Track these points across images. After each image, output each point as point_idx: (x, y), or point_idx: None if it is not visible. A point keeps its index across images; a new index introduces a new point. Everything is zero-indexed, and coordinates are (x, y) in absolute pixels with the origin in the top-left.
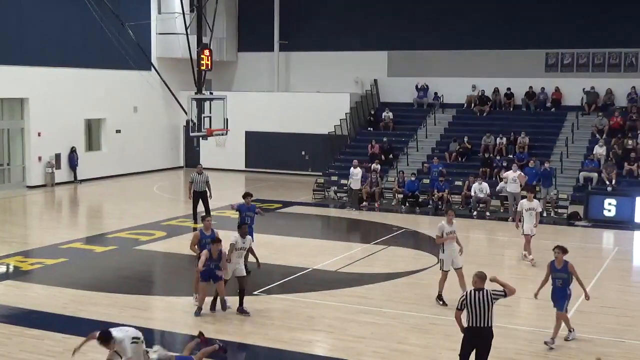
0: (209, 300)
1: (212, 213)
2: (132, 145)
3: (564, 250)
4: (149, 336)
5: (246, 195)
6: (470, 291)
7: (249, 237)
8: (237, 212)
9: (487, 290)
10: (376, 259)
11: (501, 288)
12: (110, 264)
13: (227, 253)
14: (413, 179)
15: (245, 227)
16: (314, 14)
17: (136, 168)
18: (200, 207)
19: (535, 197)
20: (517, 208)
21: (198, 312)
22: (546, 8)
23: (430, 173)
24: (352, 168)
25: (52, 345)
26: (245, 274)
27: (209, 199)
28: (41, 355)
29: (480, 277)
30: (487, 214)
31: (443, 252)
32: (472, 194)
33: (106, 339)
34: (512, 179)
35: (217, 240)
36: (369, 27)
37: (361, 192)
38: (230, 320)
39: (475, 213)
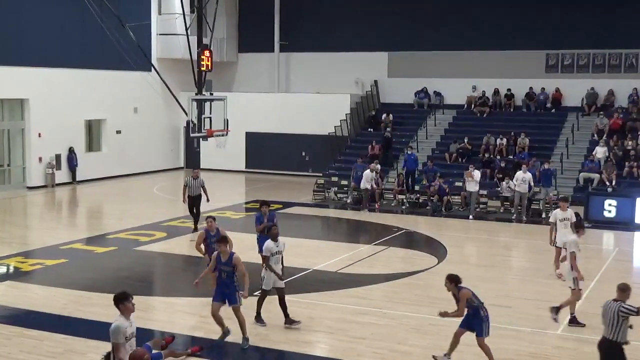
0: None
1: (212, 213)
2: (133, 145)
3: (450, 279)
4: (149, 336)
5: (262, 205)
6: (609, 301)
7: (281, 239)
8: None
9: (620, 304)
10: (376, 259)
11: (636, 305)
12: (110, 265)
13: (239, 265)
14: (410, 152)
15: (275, 229)
16: (315, 15)
17: (136, 169)
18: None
19: (537, 200)
20: (518, 208)
21: (222, 338)
22: (546, 9)
23: (426, 176)
24: (367, 171)
25: (52, 346)
26: (283, 285)
27: (207, 202)
28: (41, 356)
29: (621, 289)
30: (481, 206)
31: (572, 269)
32: (465, 182)
33: None
34: (521, 180)
35: (221, 240)
36: (369, 28)
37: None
38: (229, 321)
39: (471, 217)
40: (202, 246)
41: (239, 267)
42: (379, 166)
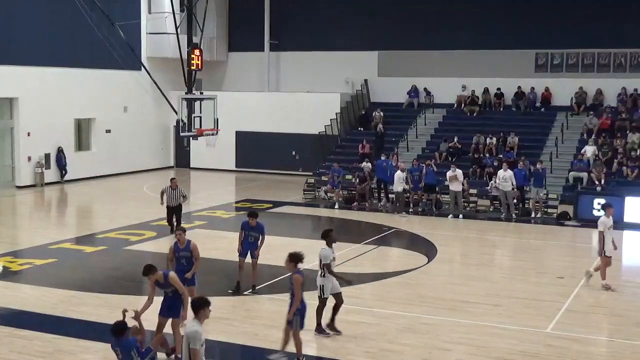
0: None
1: (202, 213)
2: (122, 145)
3: (290, 258)
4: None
5: (250, 215)
6: None
7: (334, 245)
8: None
9: None
10: (366, 258)
11: None
12: (100, 264)
13: (176, 284)
14: (383, 158)
15: (332, 234)
16: (305, 14)
17: (126, 168)
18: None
19: (527, 199)
20: (506, 206)
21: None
22: (536, 8)
23: (412, 177)
24: (399, 172)
25: (42, 345)
26: (341, 290)
27: (183, 201)
28: (31, 356)
29: None
30: (470, 205)
31: None
32: (403, 175)
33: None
34: (502, 178)
35: (149, 272)
36: (359, 27)
37: (408, 195)
38: (219, 320)
39: (461, 216)
40: (171, 263)
41: (177, 286)
42: (369, 164)
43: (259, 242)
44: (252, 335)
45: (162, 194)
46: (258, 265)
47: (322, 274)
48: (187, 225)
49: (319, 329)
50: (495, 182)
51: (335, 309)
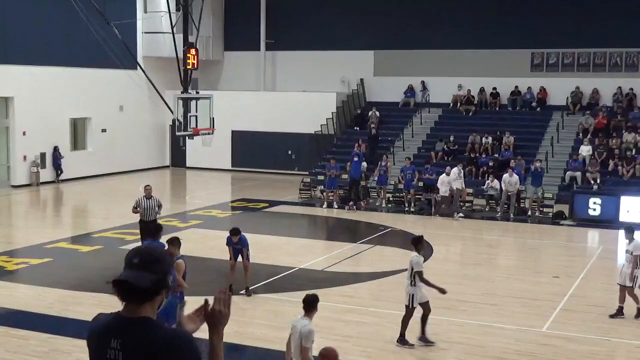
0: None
1: (198, 212)
2: (118, 144)
3: (171, 242)
4: None
5: (232, 233)
6: None
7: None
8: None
9: None
10: (362, 258)
11: None
12: (96, 264)
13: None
14: (357, 150)
15: (424, 241)
16: (301, 13)
17: (122, 167)
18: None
19: (523, 198)
20: (505, 206)
21: None
22: (532, 8)
23: (404, 175)
24: (444, 175)
25: (38, 345)
26: (428, 299)
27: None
28: (26, 355)
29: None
30: (466, 204)
31: None
32: (448, 179)
33: None
34: (508, 182)
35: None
36: (355, 27)
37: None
38: None
39: (459, 215)
40: None
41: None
42: (365, 164)
43: (246, 252)
44: (248, 335)
45: (135, 207)
46: (253, 265)
47: (412, 282)
48: (183, 225)
49: (402, 340)
50: (495, 181)
51: (424, 319)
